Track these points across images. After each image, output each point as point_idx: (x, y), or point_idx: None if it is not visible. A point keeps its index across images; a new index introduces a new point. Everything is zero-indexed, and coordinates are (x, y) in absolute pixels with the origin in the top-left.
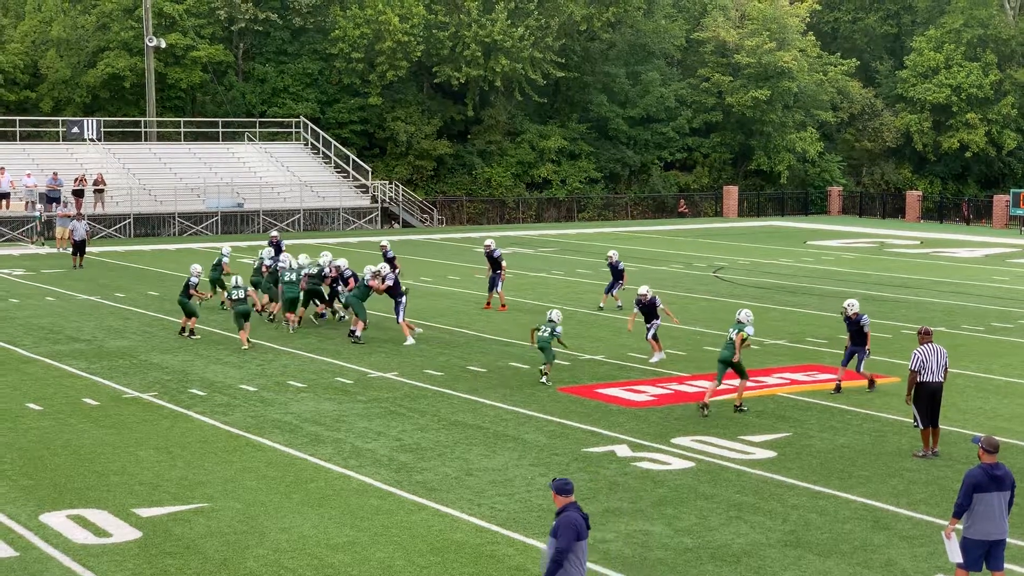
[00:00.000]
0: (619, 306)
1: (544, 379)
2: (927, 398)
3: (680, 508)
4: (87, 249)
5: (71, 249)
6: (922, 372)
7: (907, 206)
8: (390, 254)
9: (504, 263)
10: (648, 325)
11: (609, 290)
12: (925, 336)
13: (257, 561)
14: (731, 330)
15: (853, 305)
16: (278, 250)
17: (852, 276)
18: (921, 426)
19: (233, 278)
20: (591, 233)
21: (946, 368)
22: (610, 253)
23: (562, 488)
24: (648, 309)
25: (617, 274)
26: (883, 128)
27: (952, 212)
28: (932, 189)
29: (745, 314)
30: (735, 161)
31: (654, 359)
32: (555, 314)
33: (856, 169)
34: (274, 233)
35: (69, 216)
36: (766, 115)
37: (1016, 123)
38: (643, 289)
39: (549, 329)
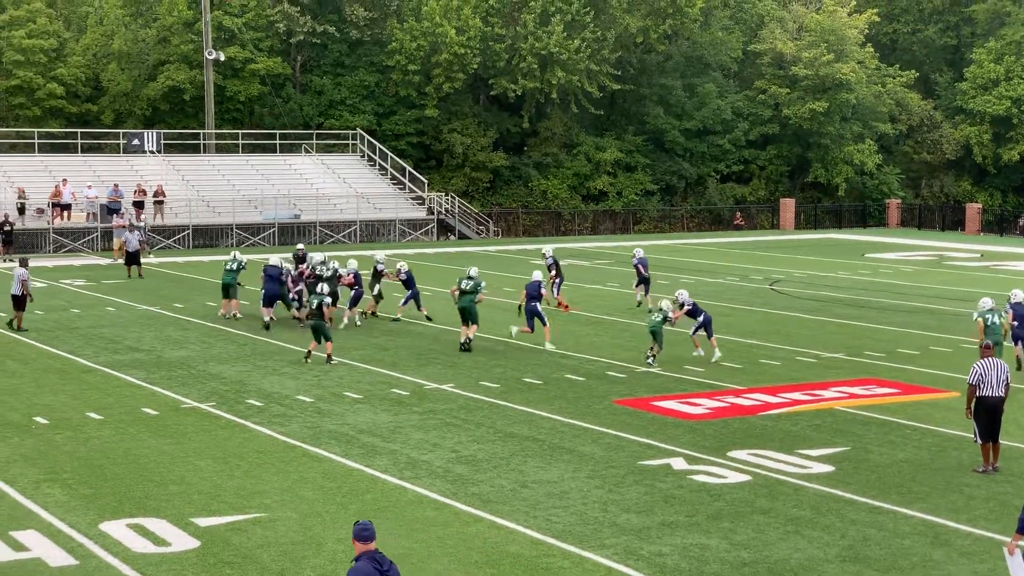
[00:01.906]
0: (638, 302)
1: (651, 360)
2: (986, 413)
3: (737, 522)
4: (142, 260)
5: (124, 260)
6: (981, 386)
7: (967, 219)
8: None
9: (547, 274)
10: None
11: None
12: (986, 350)
13: (314, 571)
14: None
15: (1016, 295)
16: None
17: (911, 289)
18: (980, 441)
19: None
20: (647, 245)
21: (1007, 383)
22: (635, 251)
23: (359, 534)
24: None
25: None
26: (942, 140)
27: (1013, 225)
28: (992, 202)
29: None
30: (792, 173)
31: (715, 357)
32: (666, 304)
33: (915, 181)
34: (300, 246)
35: (124, 227)
36: (823, 127)
37: None
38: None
39: (661, 316)
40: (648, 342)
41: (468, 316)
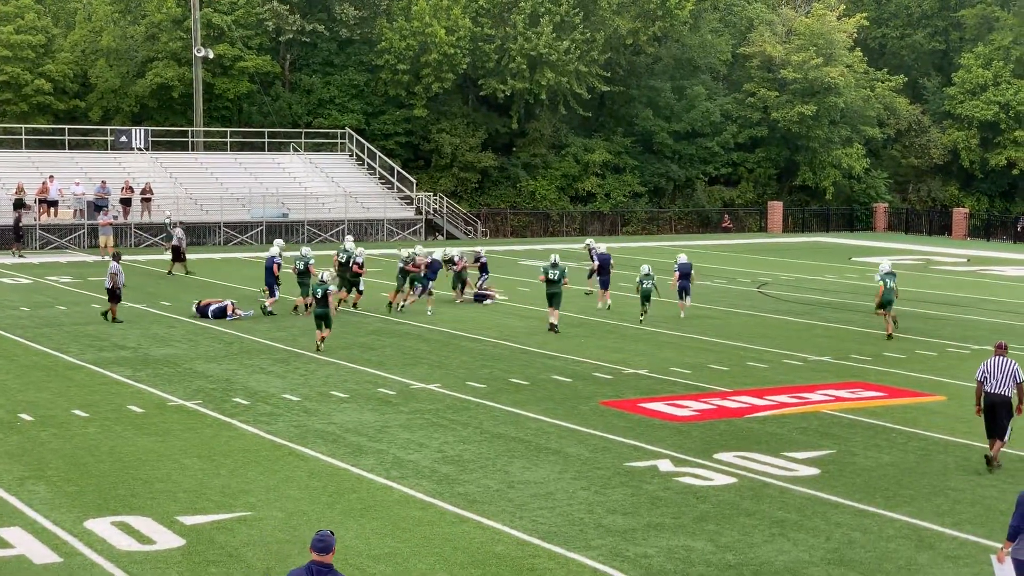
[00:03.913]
0: (588, 292)
1: (642, 319)
2: (987, 409)
3: (722, 524)
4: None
5: (171, 256)
6: (985, 383)
7: (954, 223)
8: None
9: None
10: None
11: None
12: (998, 350)
13: None
14: None
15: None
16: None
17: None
18: (987, 435)
19: (322, 274)
20: (635, 247)
21: (1018, 383)
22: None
23: (313, 543)
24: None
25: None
26: (930, 145)
27: (1000, 230)
28: (979, 206)
29: None
30: (780, 176)
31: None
32: (647, 268)
33: (902, 186)
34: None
35: (112, 224)
36: (812, 131)
37: None
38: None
39: (651, 282)
40: (640, 306)
41: (554, 301)
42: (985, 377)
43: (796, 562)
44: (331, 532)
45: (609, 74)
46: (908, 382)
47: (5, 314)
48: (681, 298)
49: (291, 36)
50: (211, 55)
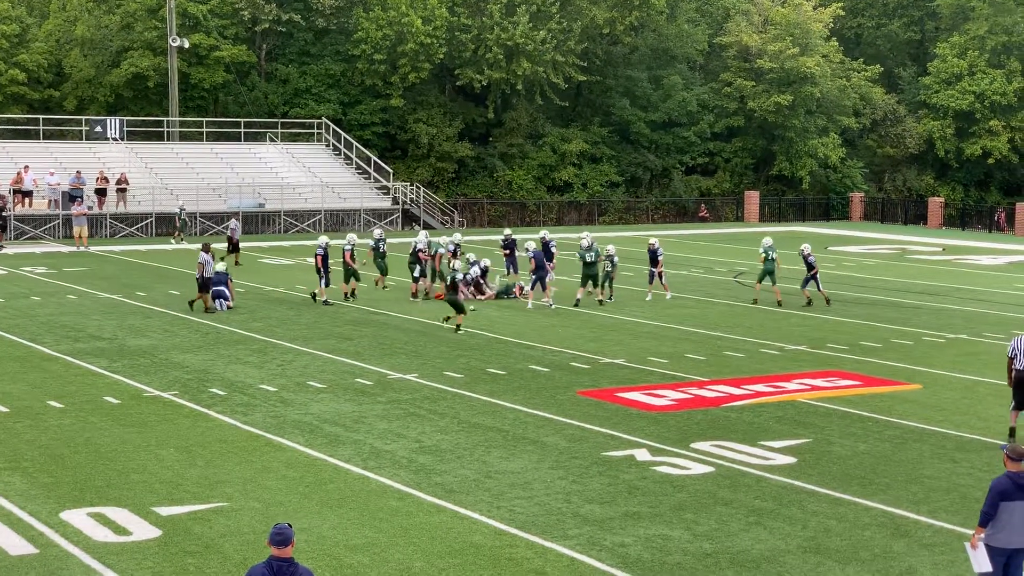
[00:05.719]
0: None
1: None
2: (1017, 384)
3: (699, 513)
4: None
5: (227, 247)
6: (1016, 360)
7: (929, 213)
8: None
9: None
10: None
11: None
12: None
13: None
14: None
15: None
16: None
17: (873, 282)
18: (1014, 408)
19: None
20: (612, 236)
21: None
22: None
23: (271, 537)
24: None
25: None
26: (905, 134)
27: (975, 219)
28: (954, 196)
29: None
30: (757, 166)
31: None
32: (611, 248)
33: (878, 175)
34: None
35: (85, 214)
36: (788, 120)
37: None
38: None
39: (609, 262)
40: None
41: (593, 280)
42: (1015, 354)
43: (773, 550)
44: (289, 524)
45: (586, 64)
46: (884, 371)
47: None
48: (651, 281)
49: (267, 25)
50: (186, 45)
